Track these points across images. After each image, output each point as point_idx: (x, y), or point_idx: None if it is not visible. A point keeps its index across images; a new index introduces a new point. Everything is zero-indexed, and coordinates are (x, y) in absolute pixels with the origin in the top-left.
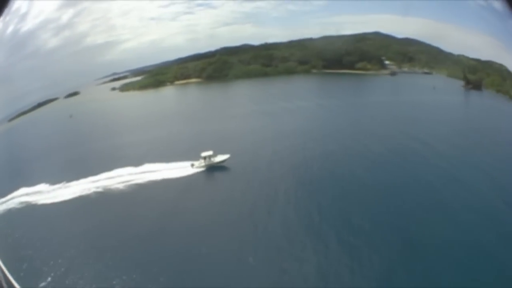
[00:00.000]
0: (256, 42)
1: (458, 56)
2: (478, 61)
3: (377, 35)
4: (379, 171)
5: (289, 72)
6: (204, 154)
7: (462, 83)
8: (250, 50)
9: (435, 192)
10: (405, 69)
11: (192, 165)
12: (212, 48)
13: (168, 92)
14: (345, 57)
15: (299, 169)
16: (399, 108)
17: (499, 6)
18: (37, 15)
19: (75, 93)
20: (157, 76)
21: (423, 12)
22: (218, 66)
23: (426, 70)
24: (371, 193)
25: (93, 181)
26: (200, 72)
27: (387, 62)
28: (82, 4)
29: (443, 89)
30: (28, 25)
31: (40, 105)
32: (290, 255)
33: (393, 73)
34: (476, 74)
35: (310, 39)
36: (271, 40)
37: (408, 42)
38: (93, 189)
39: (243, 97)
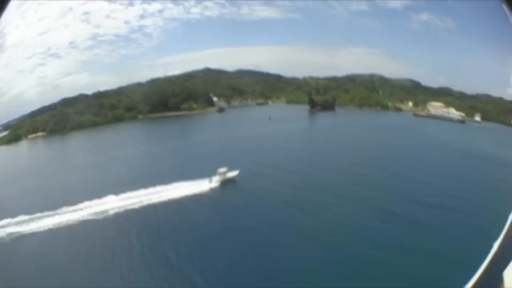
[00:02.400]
0: (90, 91)
1: (304, 79)
2: (332, 79)
3: (206, 71)
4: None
5: (117, 119)
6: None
7: (306, 107)
8: (84, 100)
9: None
10: (235, 104)
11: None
12: (56, 99)
13: (22, 147)
14: (171, 98)
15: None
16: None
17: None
18: None
19: None
20: (16, 131)
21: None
22: (58, 118)
23: (260, 101)
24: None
25: None
26: (45, 125)
27: (215, 98)
28: None
29: (281, 117)
30: None
31: None
32: None
33: (220, 110)
34: (328, 94)
35: (138, 84)
36: (103, 87)
37: (240, 74)
38: None
39: (76, 149)
